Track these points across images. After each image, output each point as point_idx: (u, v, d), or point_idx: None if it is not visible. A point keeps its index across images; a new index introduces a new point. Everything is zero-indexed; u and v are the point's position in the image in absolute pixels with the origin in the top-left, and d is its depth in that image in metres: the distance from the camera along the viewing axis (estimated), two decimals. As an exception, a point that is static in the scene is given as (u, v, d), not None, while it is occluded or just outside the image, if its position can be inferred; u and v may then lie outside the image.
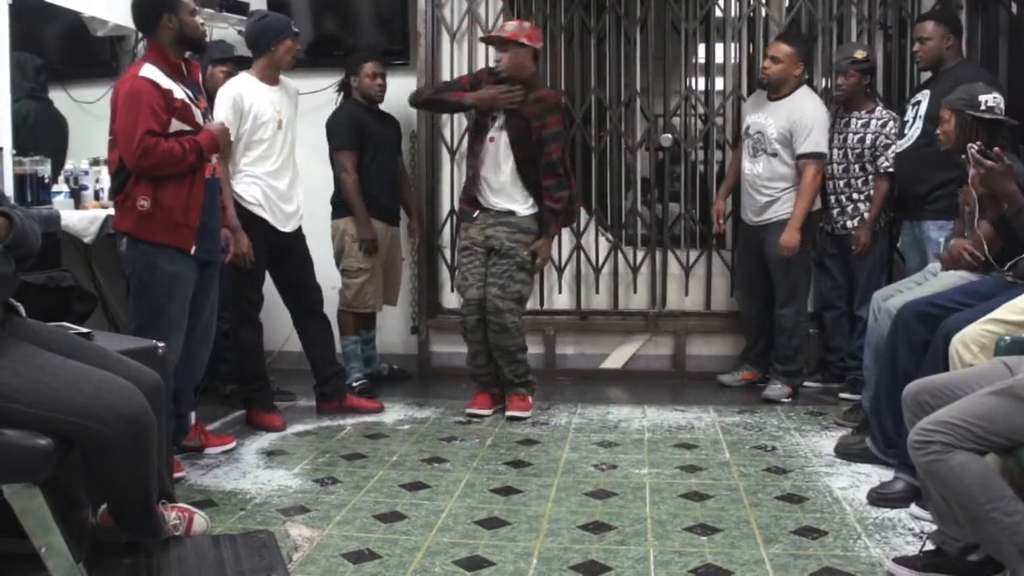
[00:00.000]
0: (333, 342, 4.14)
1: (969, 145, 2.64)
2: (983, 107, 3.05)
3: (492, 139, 3.96)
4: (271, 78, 3.76)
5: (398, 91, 4.47)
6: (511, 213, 3.97)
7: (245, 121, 3.67)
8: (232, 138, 3.61)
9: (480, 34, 4.76)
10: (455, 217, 4.86)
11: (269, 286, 3.94)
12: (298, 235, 3.90)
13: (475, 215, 4.03)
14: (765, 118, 4.18)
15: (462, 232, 4.13)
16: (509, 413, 3.96)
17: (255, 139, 3.70)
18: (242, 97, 3.66)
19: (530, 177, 3.94)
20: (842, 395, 4.22)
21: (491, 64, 4.18)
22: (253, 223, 3.68)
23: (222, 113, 3.60)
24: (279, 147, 3.76)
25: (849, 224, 4.17)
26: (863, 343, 4.10)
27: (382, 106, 4.44)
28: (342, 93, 4.43)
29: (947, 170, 3.56)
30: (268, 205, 3.73)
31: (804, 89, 4.20)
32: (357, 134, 4.26)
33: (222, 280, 3.77)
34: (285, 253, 3.85)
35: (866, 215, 4.13)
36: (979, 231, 3.00)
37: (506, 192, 3.97)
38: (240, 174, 3.69)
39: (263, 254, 3.73)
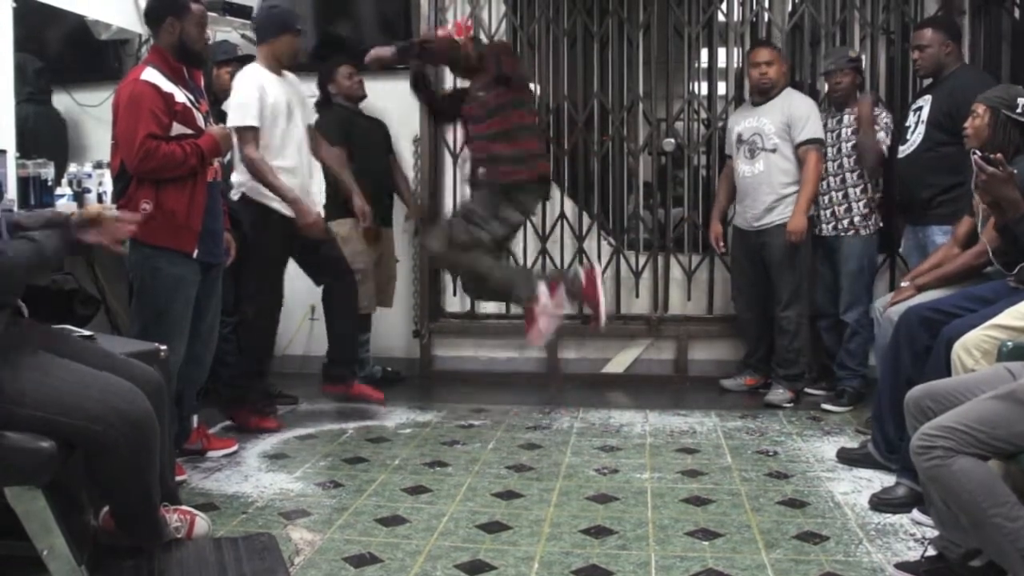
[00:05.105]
0: (355, 327, 4.09)
1: (972, 151, 2.64)
2: (1020, 109, 2.98)
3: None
4: (275, 69, 3.72)
5: (401, 94, 4.44)
6: None
7: (264, 112, 3.61)
8: (255, 124, 3.57)
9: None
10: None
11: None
12: None
13: None
14: (758, 119, 4.24)
15: None
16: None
17: (273, 130, 3.64)
18: (263, 88, 3.62)
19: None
20: (824, 406, 4.14)
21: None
22: (268, 216, 3.65)
23: (250, 99, 3.56)
24: (294, 136, 3.73)
25: (839, 226, 4.15)
26: (850, 349, 4.13)
27: (368, 111, 4.42)
28: (321, 105, 4.36)
29: (951, 175, 3.55)
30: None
31: (789, 88, 4.30)
32: (344, 133, 4.24)
33: (236, 281, 3.77)
34: (304, 240, 3.80)
35: (857, 217, 4.12)
36: (985, 236, 3.00)
37: None
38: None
39: (283, 247, 3.72)
